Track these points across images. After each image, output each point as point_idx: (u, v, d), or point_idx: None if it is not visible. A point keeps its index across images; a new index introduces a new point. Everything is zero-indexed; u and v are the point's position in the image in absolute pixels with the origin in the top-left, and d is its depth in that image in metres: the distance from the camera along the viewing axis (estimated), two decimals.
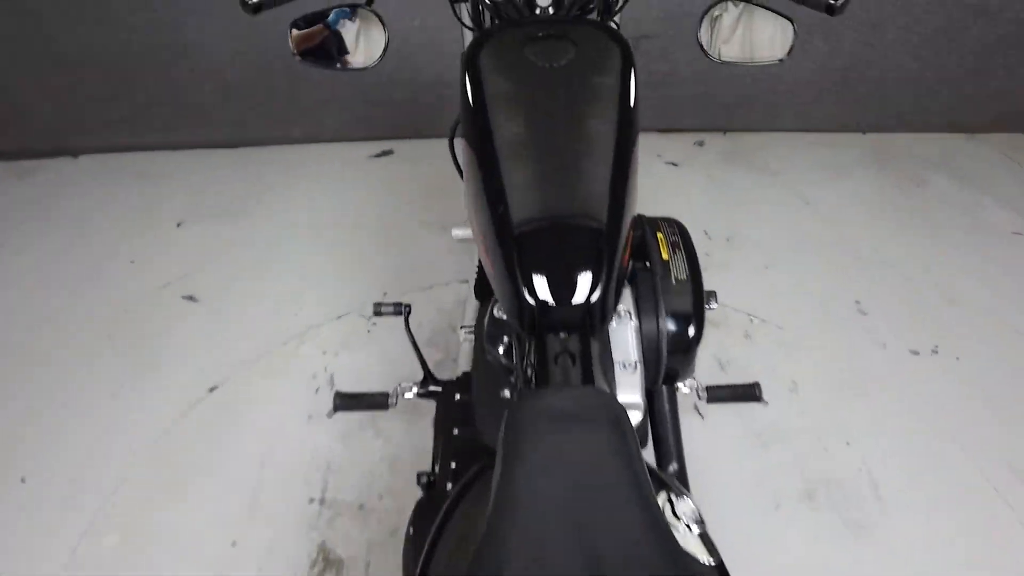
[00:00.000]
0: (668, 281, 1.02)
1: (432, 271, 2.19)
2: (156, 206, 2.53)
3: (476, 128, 0.86)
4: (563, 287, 0.76)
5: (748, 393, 1.41)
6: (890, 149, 2.82)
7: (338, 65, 1.03)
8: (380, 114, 2.75)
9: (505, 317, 0.95)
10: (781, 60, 1.06)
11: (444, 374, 1.44)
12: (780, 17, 1.03)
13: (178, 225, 2.44)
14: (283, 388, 1.84)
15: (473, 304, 2.02)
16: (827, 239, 2.36)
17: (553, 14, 1.02)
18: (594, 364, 0.80)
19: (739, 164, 2.72)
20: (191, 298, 2.14)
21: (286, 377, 1.87)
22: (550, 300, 0.76)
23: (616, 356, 0.92)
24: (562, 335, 0.80)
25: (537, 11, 1.03)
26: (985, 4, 2.47)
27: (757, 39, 1.06)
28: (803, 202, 2.53)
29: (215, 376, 1.88)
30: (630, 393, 0.90)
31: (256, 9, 0.89)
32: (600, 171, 0.81)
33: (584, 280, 0.76)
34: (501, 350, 0.93)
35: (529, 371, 0.82)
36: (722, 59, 1.06)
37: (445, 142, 1.19)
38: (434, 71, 2.56)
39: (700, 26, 1.04)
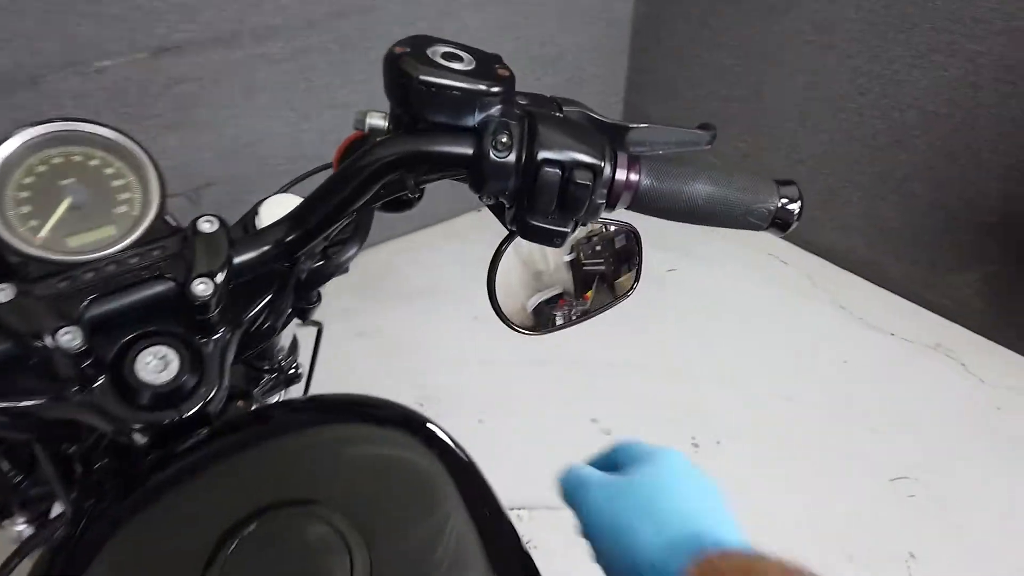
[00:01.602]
0: None
1: None
2: None
3: None
4: None
5: None
6: None
7: None
8: None
9: None
10: (628, 294, 0.60)
11: None
12: (620, 223, 0.57)
13: None
14: None
15: None
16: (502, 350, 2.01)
17: (201, 409, 0.40)
18: None
19: (383, 290, 2.24)
20: None
21: None
22: None
23: None
24: None
25: (154, 414, 0.39)
26: (579, 75, 2.48)
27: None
28: (472, 318, 2.12)
29: None
30: None
31: None
32: None
33: None
34: None
35: None
36: (533, 331, 0.56)
37: None
38: None
39: (495, 280, 0.52)
